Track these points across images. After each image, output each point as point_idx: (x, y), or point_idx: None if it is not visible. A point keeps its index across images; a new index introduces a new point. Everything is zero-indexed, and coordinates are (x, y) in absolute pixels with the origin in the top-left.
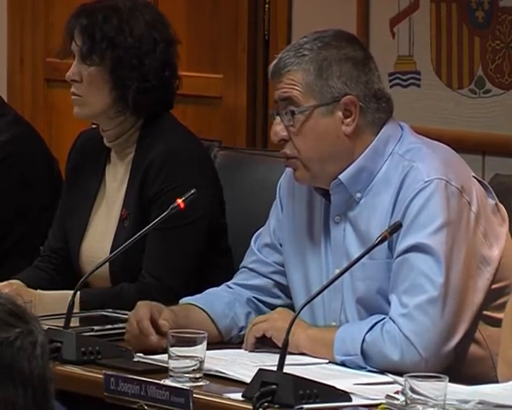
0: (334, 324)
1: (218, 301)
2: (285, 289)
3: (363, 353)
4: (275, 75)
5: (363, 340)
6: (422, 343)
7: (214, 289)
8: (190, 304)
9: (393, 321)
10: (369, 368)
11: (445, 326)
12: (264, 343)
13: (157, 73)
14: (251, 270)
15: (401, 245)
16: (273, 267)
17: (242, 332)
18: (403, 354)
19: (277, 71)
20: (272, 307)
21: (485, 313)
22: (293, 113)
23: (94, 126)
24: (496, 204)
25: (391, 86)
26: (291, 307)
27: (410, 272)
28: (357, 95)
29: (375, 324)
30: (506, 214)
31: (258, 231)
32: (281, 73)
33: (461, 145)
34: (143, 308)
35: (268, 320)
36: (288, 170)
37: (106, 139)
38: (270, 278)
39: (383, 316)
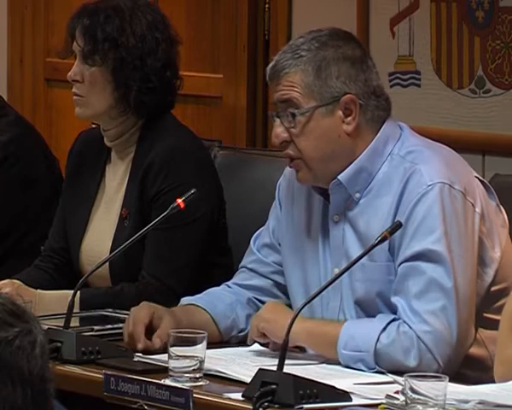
0: None
1: (220, 302)
2: (284, 290)
3: (375, 352)
4: (273, 78)
5: (378, 339)
6: (440, 351)
7: (215, 289)
8: (192, 304)
9: (410, 327)
10: (377, 369)
11: (460, 332)
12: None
13: (159, 73)
14: (250, 270)
15: (408, 251)
16: (272, 267)
17: (241, 333)
18: (420, 362)
19: (275, 73)
20: None
21: (485, 315)
22: (293, 115)
23: (94, 126)
24: (497, 205)
25: (391, 86)
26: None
27: (420, 279)
28: (356, 93)
29: (388, 324)
30: (506, 217)
31: (258, 232)
32: (279, 75)
33: (461, 145)
34: (144, 311)
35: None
36: (287, 171)
37: (106, 139)
38: (269, 278)
39: (393, 316)
